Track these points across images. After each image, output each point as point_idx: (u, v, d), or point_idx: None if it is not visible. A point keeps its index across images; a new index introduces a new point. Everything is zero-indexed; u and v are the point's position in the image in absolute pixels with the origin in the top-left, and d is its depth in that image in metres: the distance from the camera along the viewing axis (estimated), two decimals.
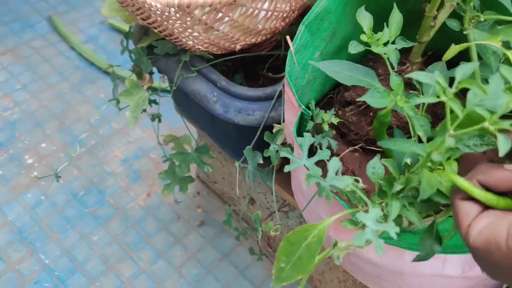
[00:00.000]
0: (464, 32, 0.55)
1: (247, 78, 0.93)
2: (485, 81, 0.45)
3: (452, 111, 0.38)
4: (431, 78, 0.38)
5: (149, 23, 0.74)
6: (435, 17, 0.60)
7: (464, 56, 0.56)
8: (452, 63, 0.57)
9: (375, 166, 0.48)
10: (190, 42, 0.76)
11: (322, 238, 0.43)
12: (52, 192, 1.33)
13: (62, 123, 1.49)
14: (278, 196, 0.97)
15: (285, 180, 0.85)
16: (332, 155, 0.71)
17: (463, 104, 0.37)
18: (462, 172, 0.41)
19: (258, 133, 0.76)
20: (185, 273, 1.20)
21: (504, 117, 0.36)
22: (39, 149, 1.43)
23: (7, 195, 1.32)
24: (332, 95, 0.77)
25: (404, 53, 0.61)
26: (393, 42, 0.56)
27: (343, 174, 0.67)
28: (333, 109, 0.69)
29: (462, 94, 0.40)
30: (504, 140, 0.35)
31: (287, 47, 0.86)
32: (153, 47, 0.84)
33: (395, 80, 0.50)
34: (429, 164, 0.42)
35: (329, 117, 0.66)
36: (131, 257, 1.22)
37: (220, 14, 0.68)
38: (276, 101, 0.77)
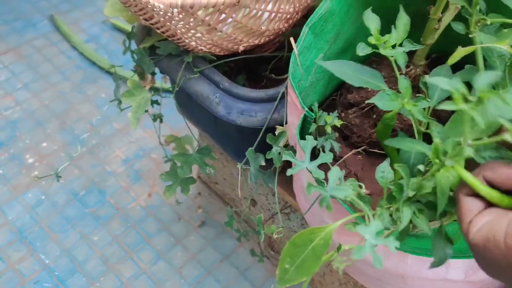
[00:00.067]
0: (470, 35, 0.54)
1: (249, 79, 0.92)
2: (492, 87, 0.44)
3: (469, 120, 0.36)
4: (452, 84, 0.37)
5: (152, 24, 0.73)
6: (439, 20, 0.60)
7: (468, 59, 0.55)
8: (456, 66, 0.57)
9: (385, 170, 0.47)
10: (193, 43, 0.76)
11: (329, 242, 0.43)
12: (53, 191, 1.33)
13: (63, 123, 1.48)
14: (279, 198, 0.96)
15: (286, 182, 0.84)
16: (335, 157, 0.71)
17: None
18: (469, 167, 0.41)
19: (260, 134, 0.76)
20: (186, 274, 1.20)
21: None
22: (39, 148, 1.42)
23: (7, 195, 1.32)
24: (335, 97, 0.77)
25: (408, 55, 0.60)
26: (400, 45, 0.55)
27: (345, 177, 0.67)
28: (336, 111, 0.69)
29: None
30: None
31: (290, 49, 0.85)
32: (155, 48, 0.84)
33: (403, 83, 0.50)
34: (436, 160, 0.42)
35: (332, 119, 0.65)
36: (132, 258, 1.22)
37: (223, 15, 0.67)
38: (279, 102, 0.76)
